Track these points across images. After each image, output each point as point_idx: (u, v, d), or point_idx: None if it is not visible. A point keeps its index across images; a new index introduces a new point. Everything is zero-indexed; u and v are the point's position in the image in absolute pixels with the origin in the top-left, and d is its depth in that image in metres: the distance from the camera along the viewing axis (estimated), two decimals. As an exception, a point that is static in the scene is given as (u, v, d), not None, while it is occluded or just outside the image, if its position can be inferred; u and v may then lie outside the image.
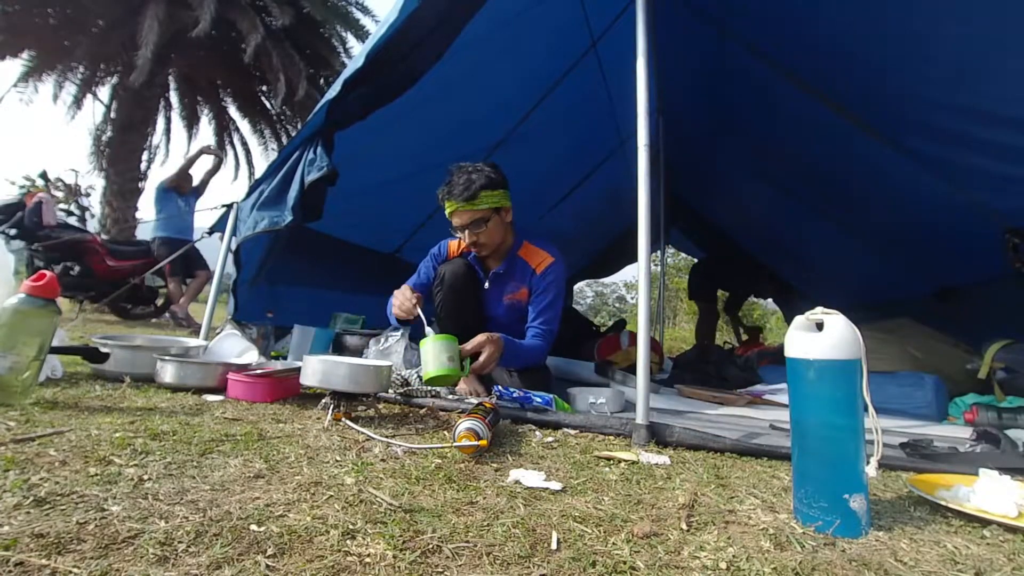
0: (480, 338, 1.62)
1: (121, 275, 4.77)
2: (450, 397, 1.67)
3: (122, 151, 9.12)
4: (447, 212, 1.87)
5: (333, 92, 1.95)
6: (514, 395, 1.54)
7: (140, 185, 9.40)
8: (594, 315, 20.40)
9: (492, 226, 1.85)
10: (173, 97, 10.62)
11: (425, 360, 1.46)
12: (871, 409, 0.85)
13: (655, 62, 2.82)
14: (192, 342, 2.10)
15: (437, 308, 1.94)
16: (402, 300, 1.74)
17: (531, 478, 0.96)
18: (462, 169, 1.86)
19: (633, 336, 3.04)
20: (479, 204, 1.80)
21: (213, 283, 2.47)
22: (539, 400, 1.52)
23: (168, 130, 10.95)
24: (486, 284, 1.98)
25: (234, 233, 2.36)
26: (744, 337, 4.82)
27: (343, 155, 2.07)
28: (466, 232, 1.84)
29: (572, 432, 1.40)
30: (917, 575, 0.68)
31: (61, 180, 5.27)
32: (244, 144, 11.53)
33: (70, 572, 0.55)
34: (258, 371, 1.63)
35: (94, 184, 8.90)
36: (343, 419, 1.30)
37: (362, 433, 1.20)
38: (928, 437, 1.35)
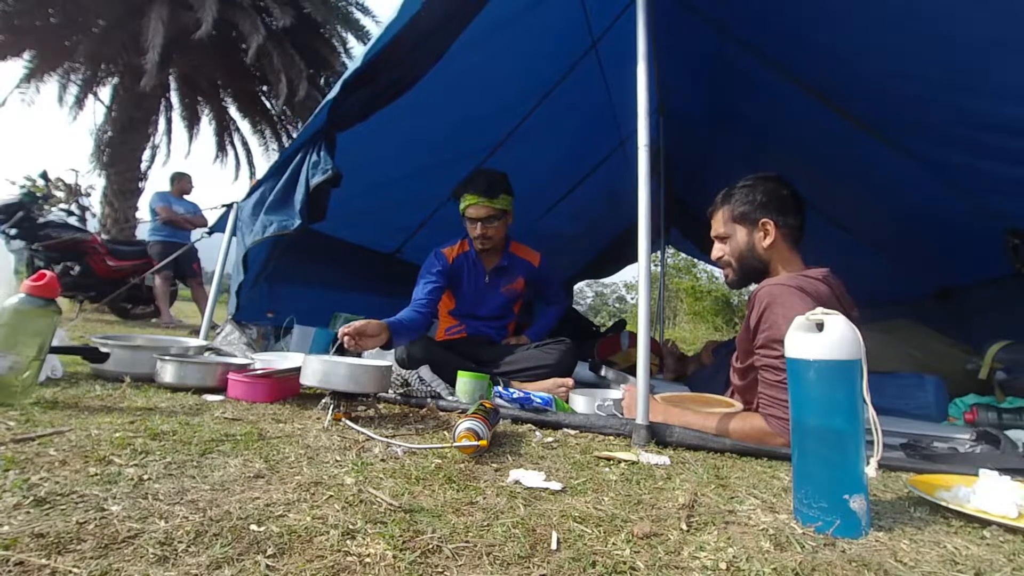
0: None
1: (121, 275, 4.78)
2: (450, 397, 1.67)
3: (122, 151, 9.13)
4: (464, 205, 2.11)
5: (333, 93, 1.95)
6: (514, 396, 1.54)
7: (140, 185, 9.41)
8: (594, 315, 20.40)
9: (500, 225, 2.14)
10: (174, 97, 10.63)
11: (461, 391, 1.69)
12: (871, 409, 0.85)
13: (655, 62, 2.82)
14: (192, 342, 2.10)
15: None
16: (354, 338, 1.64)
17: (531, 478, 0.96)
18: (484, 171, 2.16)
19: (633, 337, 3.04)
20: (496, 203, 2.08)
21: (213, 283, 2.47)
22: (539, 400, 1.52)
23: (169, 130, 10.95)
24: (486, 279, 2.24)
25: (234, 233, 2.36)
26: None
27: (344, 156, 2.07)
28: (479, 224, 2.10)
29: (572, 432, 1.40)
30: (917, 575, 0.68)
31: (61, 180, 5.28)
32: (244, 144, 11.53)
33: (70, 572, 0.55)
34: (258, 371, 1.63)
35: (94, 184, 8.89)
36: (343, 419, 1.30)
37: (362, 433, 1.20)
38: (928, 437, 1.35)
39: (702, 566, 0.67)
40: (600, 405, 1.62)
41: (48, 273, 1.34)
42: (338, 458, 1.02)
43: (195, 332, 3.18)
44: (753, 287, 1.43)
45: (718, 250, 1.54)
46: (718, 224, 1.54)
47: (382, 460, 1.03)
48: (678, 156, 4.00)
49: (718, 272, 11.93)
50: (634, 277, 8.00)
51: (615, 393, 1.79)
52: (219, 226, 2.45)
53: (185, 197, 5.14)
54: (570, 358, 2.00)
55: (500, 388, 1.61)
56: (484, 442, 1.07)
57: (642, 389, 1.33)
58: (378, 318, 1.77)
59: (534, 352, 2.02)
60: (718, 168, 3.71)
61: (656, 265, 5.99)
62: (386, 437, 1.16)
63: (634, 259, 1.51)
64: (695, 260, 11.32)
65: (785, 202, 1.45)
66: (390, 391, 1.62)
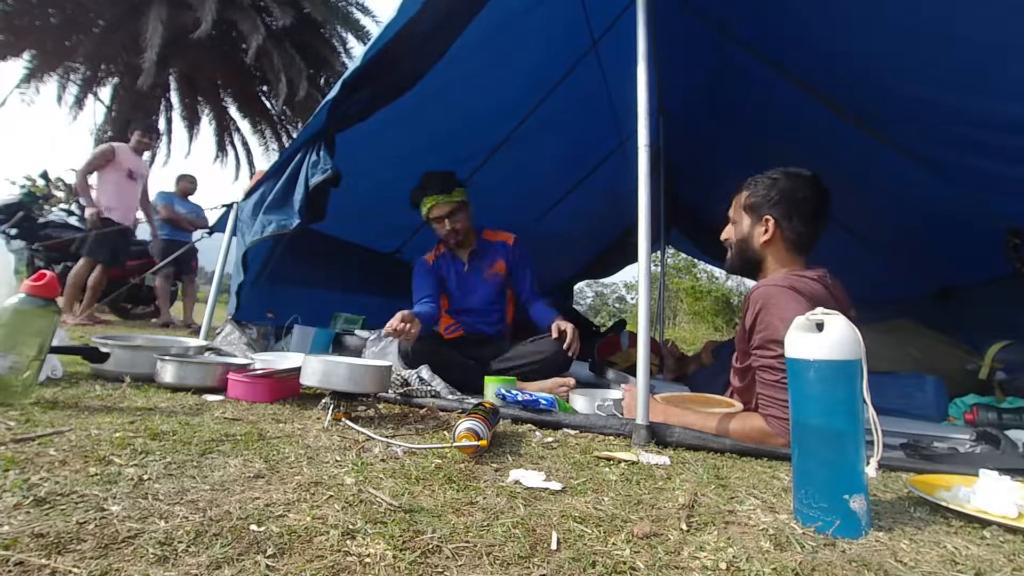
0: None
1: (121, 275, 4.77)
2: (450, 397, 1.67)
3: (122, 151, 9.11)
4: (426, 209, 2.22)
5: (333, 93, 1.95)
6: (518, 398, 1.54)
7: (140, 185, 9.39)
8: (594, 315, 20.39)
9: (463, 216, 2.24)
10: (174, 97, 10.65)
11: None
12: (871, 409, 0.85)
13: (655, 62, 2.82)
14: (192, 342, 2.10)
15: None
16: (401, 328, 1.78)
17: (531, 478, 0.96)
18: (431, 173, 2.23)
19: (633, 337, 3.04)
20: (454, 196, 2.19)
21: (213, 283, 2.47)
22: (544, 403, 1.52)
23: (169, 130, 10.96)
24: (465, 268, 2.31)
25: (234, 233, 2.36)
26: None
27: (344, 155, 2.07)
28: (445, 221, 2.20)
29: (572, 432, 1.40)
30: (917, 575, 0.68)
31: (61, 180, 5.28)
32: (245, 144, 11.55)
33: (70, 572, 0.55)
34: (258, 371, 1.63)
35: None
36: (343, 419, 1.30)
37: (362, 433, 1.20)
38: (928, 437, 1.35)
39: (702, 566, 0.67)
40: (600, 405, 1.61)
41: (48, 273, 1.34)
42: (338, 458, 1.02)
43: (195, 332, 3.18)
44: (750, 284, 1.43)
45: (727, 231, 1.56)
46: (732, 207, 1.55)
47: (382, 460, 1.03)
48: (678, 156, 4.00)
49: (718, 272, 11.96)
50: (634, 277, 8.00)
51: (615, 393, 1.79)
52: (219, 226, 2.45)
53: (188, 198, 5.15)
54: (563, 350, 2.01)
55: (503, 390, 1.61)
56: (484, 442, 1.07)
57: (642, 389, 1.33)
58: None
59: (528, 347, 2.05)
60: (718, 168, 3.71)
61: (656, 265, 5.98)
62: (386, 437, 1.16)
63: (634, 259, 1.51)
64: (695, 260, 11.32)
65: (797, 205, 1.42)
66: (390, 391, 1.62)
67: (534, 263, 2.35)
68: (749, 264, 1.50)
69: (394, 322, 1.77)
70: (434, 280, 2.27)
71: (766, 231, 1.44)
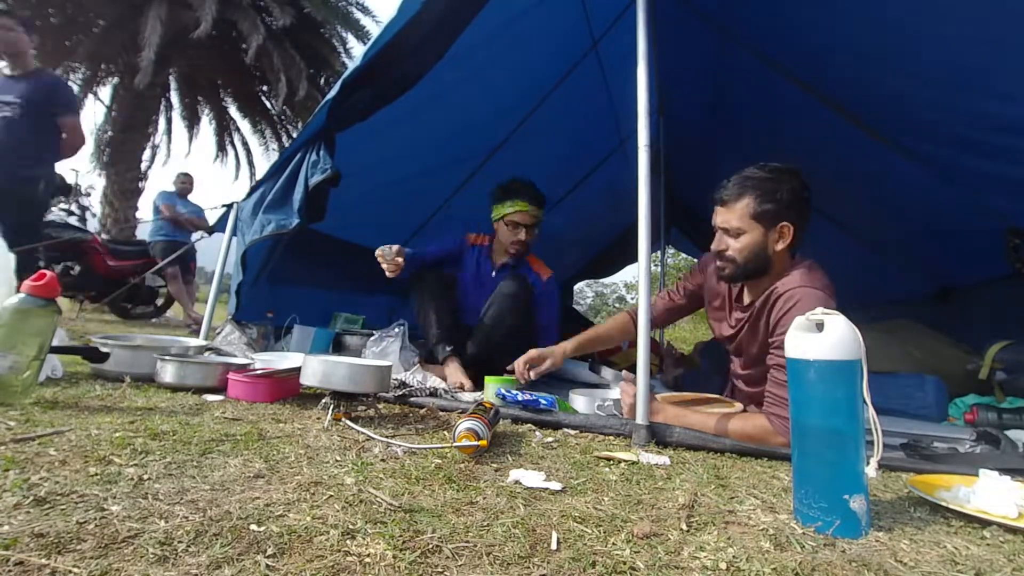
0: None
1: (121, 275, 4.77)
2: (450, 397, 1.67)
3: (123, 151, 9.14)
4: (513, 210, 2.21)
5: (333, 93, 1.95)
6: (518, 398, 1.54)
7: (140, 185, 9.41)
8: (594, 315, 20.38)
9: (536, 234, 2.25)
10: (174, 97, 10.64)
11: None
12: (871, 409, 0.85)
13: (656, 62, 2.82)
14: (192, 342, 2.10)
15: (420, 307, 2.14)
16: (389, 258, 1.94)
17: (531, 478, 0.96)
18: (528, 182, 2.25)
19: (633, 336, 3.03)
20: (540, 213, 2.23)
21: (213, 283, 2.47)
22: (544, 403, 1.52)
23: (169, 130, 10.97)
24: (493, 273, 2.30)
25: (234, 233, 2.36)
26: None
27: (344, 156, 2.07)
28: (523, 230, 2.20)
29: (572, 432, 1.40)
30: (917, 575, 0.68)
31: (62, 180, 5.29)
32: (245, 144, 11.54)
33: (70, 572, 0.55)
34: (258, 371, 1.63)
35: (94, 184, 8.94)
36: (343, 419, 1.30)
37: (362, 433, 1.20)
38: (928, 437, 1.35)
39: (702, 566, 0.67)
40: (600, 405, 1.61)
41: (48, 273, 1.34)
42: (338, 458, 1.02)
43: (195, 332, 3.18)
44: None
45: (723, 243, 1.42)
46: (733, 217, 1.39)
47: (382, 460, 1.03)
48: (678, 157, 4.00)
49: (718, 272, 11.95)
50: (634, 277, 7.99)
51: (615, 393, 1.79)
52: (219, 226, 2.45)
53: (188, 197, 5.15)
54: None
55: (503, 390, 1.61)
56: (484, 442, 1.07)
57: (642, 389, 1.33)
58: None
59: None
60: (718, 168, 3.71)
61: (656, 265, 5.98)
62: (386, 437, 1.16)
63: (634, 259, 1.51)
64: (695, 260, 11.31)
65: (803, 205, 1.37)
66: (389, 393, 1.62)
67: (560, 305, 2.32)
68: (754, 273, 1.42)
69: (384, 249, 1.89)
70: (448, 256, 2.29)
71: (780, 237, 1.36)
